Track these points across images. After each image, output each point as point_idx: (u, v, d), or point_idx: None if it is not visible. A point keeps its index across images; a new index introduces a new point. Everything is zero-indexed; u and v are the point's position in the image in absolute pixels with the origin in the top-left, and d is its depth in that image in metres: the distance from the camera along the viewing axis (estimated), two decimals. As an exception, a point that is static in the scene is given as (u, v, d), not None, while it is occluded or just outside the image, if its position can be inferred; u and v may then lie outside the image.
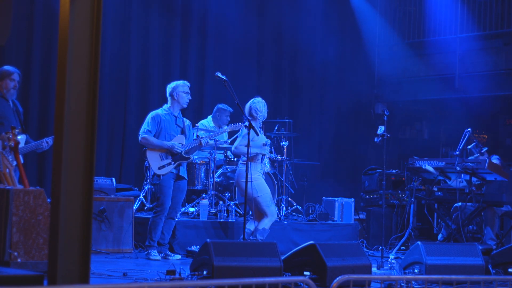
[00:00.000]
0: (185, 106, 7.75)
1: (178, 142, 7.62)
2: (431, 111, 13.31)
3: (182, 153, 7.62)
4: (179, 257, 7.70)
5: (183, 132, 7.75)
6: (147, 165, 7.65)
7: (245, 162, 7.46)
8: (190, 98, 7.80)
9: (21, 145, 6.63)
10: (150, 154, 7.57)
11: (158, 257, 7.46)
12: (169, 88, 7.74)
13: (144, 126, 7.62)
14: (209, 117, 10.00)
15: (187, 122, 7.91)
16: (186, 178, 7.80)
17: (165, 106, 7.73)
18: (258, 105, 7.70)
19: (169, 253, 7.67)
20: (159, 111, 7.69)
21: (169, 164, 7.57)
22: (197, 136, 9.32)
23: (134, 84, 10.46)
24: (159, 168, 7.54)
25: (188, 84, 7.79)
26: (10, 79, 6.79)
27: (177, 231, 8.18)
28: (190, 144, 7.74)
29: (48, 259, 3.61)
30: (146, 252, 7.53)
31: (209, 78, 11.07)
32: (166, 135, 7.61)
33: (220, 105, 9.91)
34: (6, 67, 6.92)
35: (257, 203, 7.56)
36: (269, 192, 7.69)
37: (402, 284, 6.04)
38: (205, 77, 11.24)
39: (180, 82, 7.75)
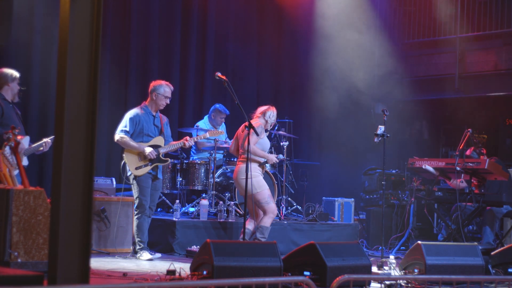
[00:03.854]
0: (161, 108, 7.74)
1: (156, 144, 7.62)
2: (431, 111, 13.31)
3: (160, 155, 7.62)
4: (159, 255, 7.74)
5: (161, 131, 7.74)
6: (123, 164, 7.61)
7: (243, 160, 7.50)
8: (168, 103, 7.78)
9: (26, 146, 6.64)
10: (128, 153, 7.58)
11: (151, 257, 7.50)
12: (152, 85, 7.72)
13: (122, 126, 7.59)
14: (205, 117, 10.00)
15: (165, 120, 7.87)
16: (161, 178, 7.84)
17: (143, 104, 7.72)
18: (274, 113, 7.87)
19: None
20: (137, 110, 7.67)
21: (146, 165, 7.57)
22: (197, 136, 9.35)
23: (134, 84, 10.45)
24: (136, 169, 7.55)
25: (172, 88, 7.77)
26: (17, 83, 6.82)
27: (177, 231, 8.19)
28: (169, 146, 7.75)
29: (48, 259, 3.61)
30: (138, 254, 7.55)
31: (209, 78, 11.07)
32: (144, 136, 7.61)
33: (217, 106, 9.90)
34: (10, 70, 6.91)
35: (256, 200, 7.55)
36: (268, 188, 7.69)
37: (402, 284, 6.04)
38: (205, 77, 11.23)
39: (165, 84, 7.71)
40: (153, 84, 7.74)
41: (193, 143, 8.04)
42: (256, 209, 7.69)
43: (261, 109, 7.88)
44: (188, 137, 7.95)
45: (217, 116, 9.84)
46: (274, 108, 7.91)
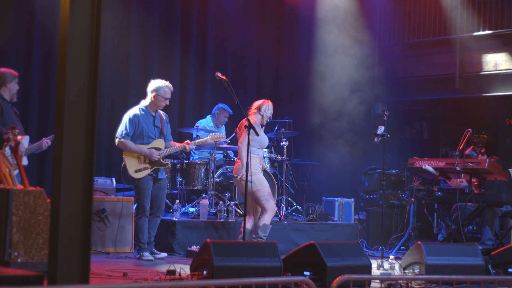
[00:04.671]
0: (160, 108, 7.68)
1: (156, 147, 7.58)
2: (431, 111, 13.30)
3: (161, 158, 7.59)
4: (165, 255, 7.75)
5: (161, 132, 7.69)
6: (124, 166, 7.58)
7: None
8: (167, 103, 7.71)
9: (26, 146, 6.64)
10: (127, 156, 7.53)
11: (151, 257, 7.51)
12: (152, 85, 7.63)
13: (122, 128, 7.50)
14: (208, 117, 10.00)
15: (164, 117, 7.80)
16: (165, 177, 7.81)
17: (142, 104, 7.63)
18: (270, 106, 7.80)
19: (155, 250, 7.71)
20: (136, 110, 7.57)
21: (146, 168, 7.53)
22: (197, 136, 9.35)
23: (134, 84, 10.45)
24: (136, 172, 7.51)
25: (171, 89, 7.69)
26: (16, 82, 6.84)
27: (177, 231, 8.19)
28: (170, 149, 7.71)
29: (48, 259, 3.61)
30: (139, 255, 7.57)
31: (209, 78, 11.06)
32: (145, 138, 7.54)
33: (221, 105, 9.92)
34: (9, 70, 6.93)
35: (256, 198, 7.55)
36: (268, 186, 7.69)
37: (402, 284, 6.04)
38: (205, 77, 11.23)
39: (164, 85, 7.60)
40: (152, 83, 7.65)
41: (194, 147, 8.01)
42: (256, 207, 7.69)
43: (256, 103, 7.82)
44: (189, 141, 7.90)
45: (221, 115, 9.84)
46: (269, 101, 7.84)
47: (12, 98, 6.82)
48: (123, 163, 7.57)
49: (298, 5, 12.28)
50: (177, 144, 7.80)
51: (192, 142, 7.90)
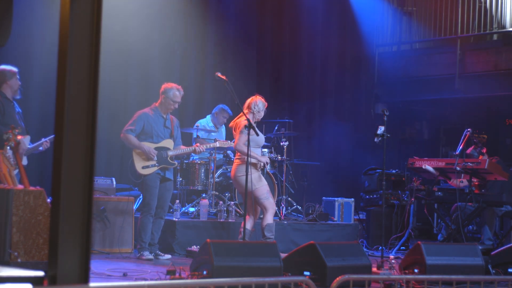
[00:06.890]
0: (169, 111, 7.73)
1: (165, 146, 7.61)
2: (431, 111, 13.31)
3: (168, 158, 7.62)
4: (169, 256, 7.74)
5: (171, 135, 7.73)
6: (131, 162, 7.61)
7: (239, 157, 7.53)
8: (177, 107, 7.76)
9: (26, 146, 6.64)
10: (136, 152, 7.57)
11: (151, 257, 7.51)
12: (163, 87, 7.72)
13: (128, 124, 7.60)
14: (208, 117, 10.00)
15: (175, 122, 7.86)
16: (172, 179, 7.81)
17: (154, 105, 7.71)
18: (257, 101, 7.68)
19: (159, 252, 7.69)
20: (147, 110, 7.67)
21: (153, 165, 7.56)
22: (197, 136, 9.35)
23: (134, 84, 10.45)
24: (143, 168, 7.54)
25: (181, 92, 7.73)
26: (16, 78, 6.82)
27: (177, 231, 8.20)
28: (179, 150, 7.75)
29: (48, 259, 3.60)
30: (139, 254, 7.56)
31: (209, 77, 11.06)
32: (154, 137, 7.60)
33: (222, 106, 9.94)
34: (8, 66, 6.91)
35: (255, 197, 7.54)
36: (266, 184, 7.68)
37: (402, 284, 6.04)
38: (205, 77, 11.23)
39: (175, 88, 7.66)
40: (164, 86, 7.73)
41: (204, 150, 8.02)
42: (255, 206, 7.68)
43: (247, 102, 7.73)
44: (198, 144, 7.96)
45: (220, 115, 9.85)
46: (256, 96, 7.73)
47: (14, 95, 6.81)
48: (131, 159, 7.60)
49: (299, 3, 12.28)
50: (186, 147, 7.84)
51: (201, 145, 7.93)
